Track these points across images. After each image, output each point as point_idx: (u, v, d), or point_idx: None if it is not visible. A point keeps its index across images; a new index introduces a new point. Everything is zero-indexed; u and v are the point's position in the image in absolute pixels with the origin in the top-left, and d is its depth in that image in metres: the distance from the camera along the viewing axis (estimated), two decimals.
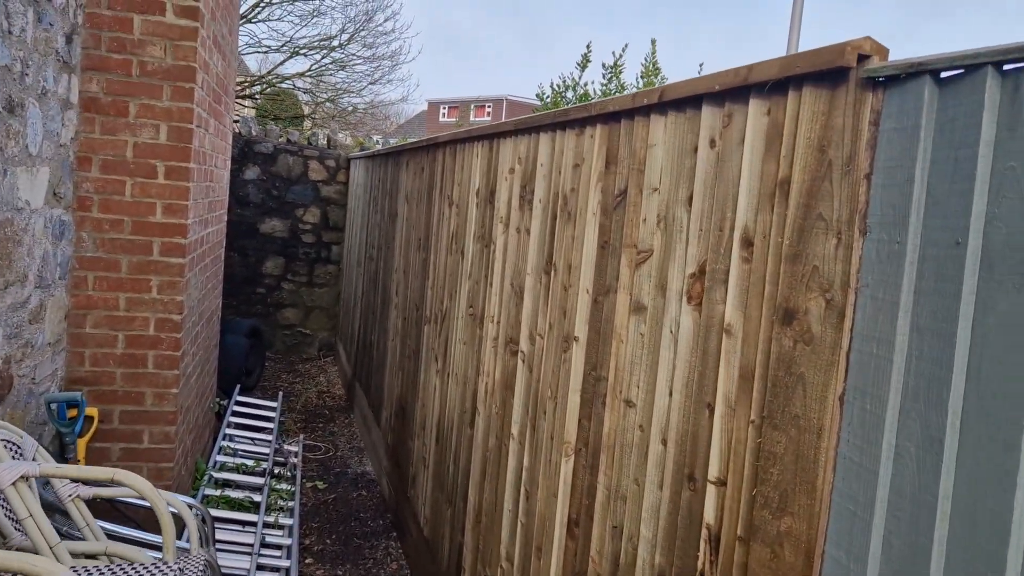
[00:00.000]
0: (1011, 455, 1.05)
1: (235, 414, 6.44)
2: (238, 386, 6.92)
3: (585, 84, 10.10)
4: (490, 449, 3.31)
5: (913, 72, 1.23)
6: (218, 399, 6.42)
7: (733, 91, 1.71)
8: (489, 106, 55.69)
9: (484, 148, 3.66)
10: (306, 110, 20.90)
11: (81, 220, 3.65)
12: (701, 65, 22.11)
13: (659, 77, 10.70)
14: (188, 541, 2.92)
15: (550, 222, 2.77)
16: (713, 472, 1.72)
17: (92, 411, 3.72)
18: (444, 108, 59.16)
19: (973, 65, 1.12)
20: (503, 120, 3.48)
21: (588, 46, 10.01)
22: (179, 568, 2.29)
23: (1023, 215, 1.06)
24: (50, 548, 2.27)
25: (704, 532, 1.74)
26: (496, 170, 3.46)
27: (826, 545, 1.39)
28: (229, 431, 6.00)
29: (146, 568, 2.26)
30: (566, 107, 2.71)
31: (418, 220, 5.14)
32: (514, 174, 3.20)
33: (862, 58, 1.36)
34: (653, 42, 10.50)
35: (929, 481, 1.18)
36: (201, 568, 2.72)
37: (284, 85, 19.92)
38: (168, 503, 2.77)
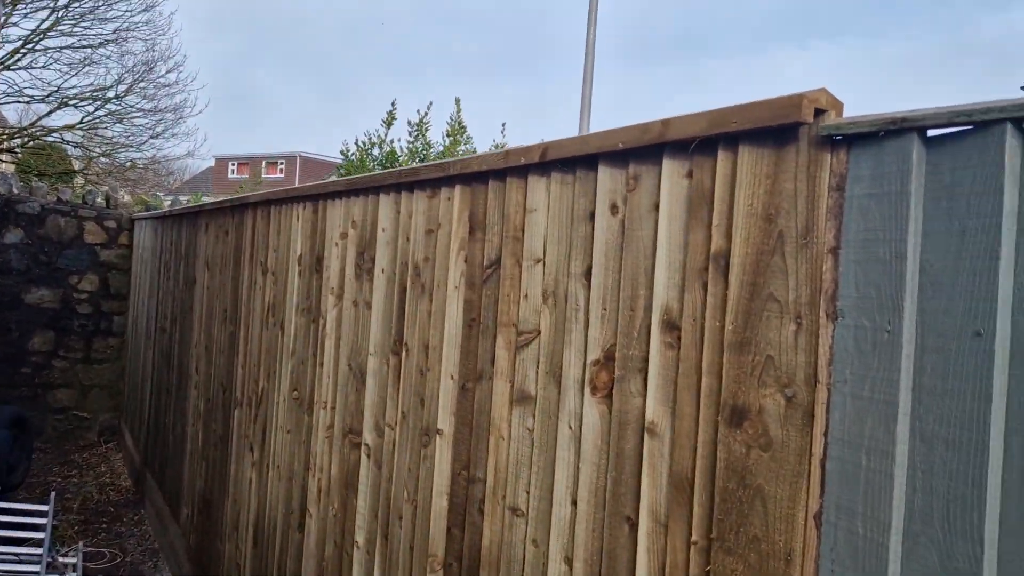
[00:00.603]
0: None
1: None
2: None
3: (391, 141, 9.82)
4: (327, 559, 2.84)
5: (895, 129, 1.04)
6: None
7: (641, 150, 1.48)
8: (282, 163, 54.02)
9: (307, 210, 3.25)
10: (77, 165, 19.02)
11: None
12: (504, 125, 22.67)
13: (464, 136, 10.68)
14: None
15: (398, 295, 2.42)
16: None
17: None
18: (233, 164, 56.64)
19: (985, 122, 0.94)
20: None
21: (393, 103, 9.77)
22: None
23: None
24: None
25: None
26: (323, 234, 3.05)
27: None
28: None
29: None
30: (414, 166, 2.39)
31: (223, 289, 4.56)
32: (347, 239, 2.82)
33: (818, 112, 1.16)
34: (457, 101, 10.46)
35: None
36: None
37: (50, 138, 18.02)
38: None
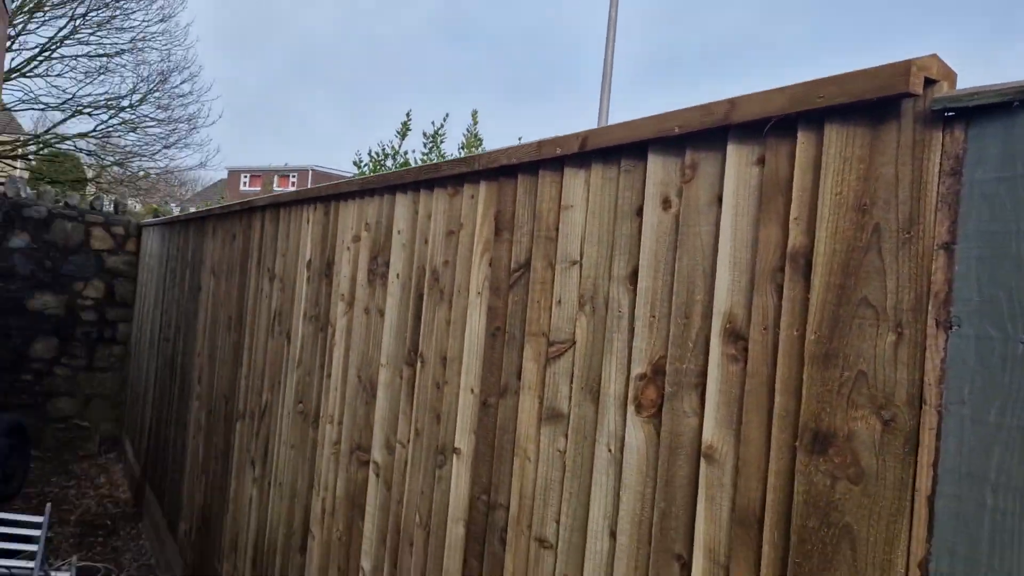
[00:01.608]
0: None
1: None
2: None
3: (405, 152, 9.66)
4: None
5: None
6: None
7: (701, 135, 1.30)
8: (294, 176, 54.14)
9: (318, 212, 3.08)
10: (90, 173, 18.97)
11: None
12: (520, 138, 22.53)
13: (480, 148, 10.51)
14: None
15: (413, 302, 2.24)
16: None
17: None
18: (246, 176, 56.84)
19: None
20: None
21: (408, 114, 9.62)
22: None
23: None
24: None
25: None
26: (334, 238, 2.88)
27: None
28: None
29: None
30: (435, 162, 2.21)
31: (228, 296, 4.39)
32: (360, 243, 2.64)
33: (928, 83, 0.98)
34: (474, 113, 10.32)
35: None
36: None
37: (64, 146, 17.97)
38: None
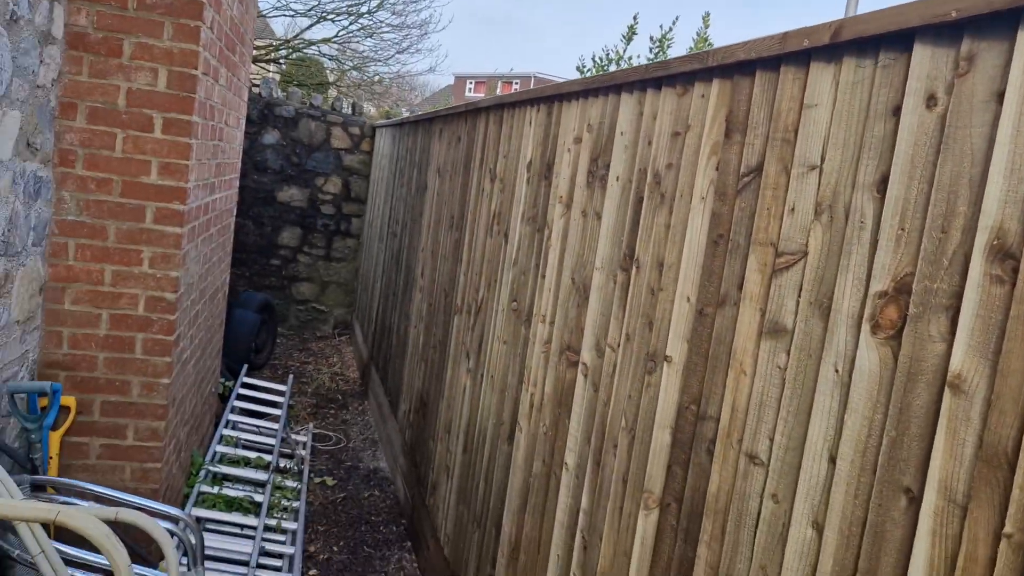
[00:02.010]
0: None
1: (240, 397, 5.92)
2: (245, 365, 6.40)
3: (630, 57, 9.38)
4: (534, 475, 2.75)
5: None
6: (223, 379, 5.90)
7: (986, 19, 1.12)
8: (517, 83, 54.74)
9: (540, 113, 3.07)
10: (331, 77, 20.28)
11: (63, 177, 3.10)
12: None
13: None
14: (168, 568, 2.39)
15: (632, 206, 2.19)
16: None
17: (69, 400, 3.19)
18: (471, 83, 58.33)
19: None
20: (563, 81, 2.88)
21: (635, 17, 9.27)
22: None
23: None
24: None
25: None
26: (555, 140, 2.87)
27: None
28: (233, 417, 5.48)
29: None
30: (663, 60, 2.11)
31: (451, 196, 4.57)
32: (580, 144, 2.61)
33: None
34: (706, 16, 9.75)
35: None
36: None
37: (310, 51, 19.29)
38: (146, 528, 2.25)
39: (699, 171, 1.85)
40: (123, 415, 3.29)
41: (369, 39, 19.03)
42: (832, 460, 1.34)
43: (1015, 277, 1.04)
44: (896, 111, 1.27)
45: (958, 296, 1.13)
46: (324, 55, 19.33)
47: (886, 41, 1.31)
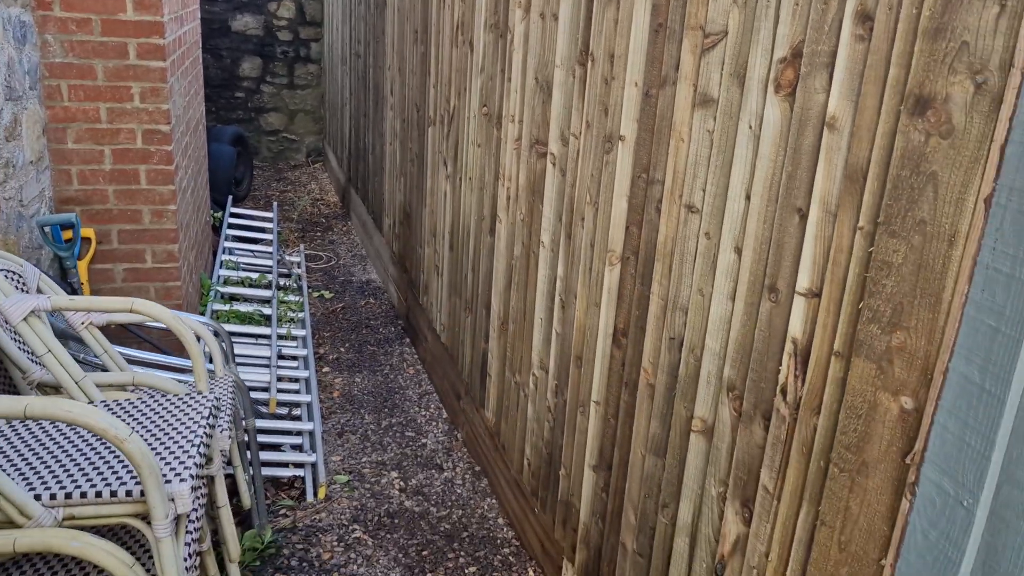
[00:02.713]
0: None
1: (232, 227, 6.26)
2: (230, 197, 6.68)
3: None
4: (516, 257, 3.16)
5: None
6: (212, 211, 6.20)
7: None
8: None
9: None
10: None
11: (43, 20, 3.24)
12: None
13: None
14: (211, 362, 2.83)
15: (584, 4, 2.44)
16: (803, 283, 1.56)
17: (88, 232, 3.51)
18: None
19: None
20: None
21: None
22: (215, 397, 2.19)
23: None
24: (75, 383, 2.16)
25: (788, 346, 1.61)
26: None
27: (951, 361, 1.25)
28: (228, 244, 5.84)
29: (181, 399, 2.16)
30: None
31: (412, 10, 4.69)
32: None
33: None
34: None
35: None
36: (231, 390, 2.64)
37: None
38: (188, 326, 2.64)
39: None
40: (139, 241, 3.63)
41: None
42: (748, 198, 1.72)
43: (871, 34, 1.37)
44: None
45: (834, 55, 1.46)
46: None
47: None
